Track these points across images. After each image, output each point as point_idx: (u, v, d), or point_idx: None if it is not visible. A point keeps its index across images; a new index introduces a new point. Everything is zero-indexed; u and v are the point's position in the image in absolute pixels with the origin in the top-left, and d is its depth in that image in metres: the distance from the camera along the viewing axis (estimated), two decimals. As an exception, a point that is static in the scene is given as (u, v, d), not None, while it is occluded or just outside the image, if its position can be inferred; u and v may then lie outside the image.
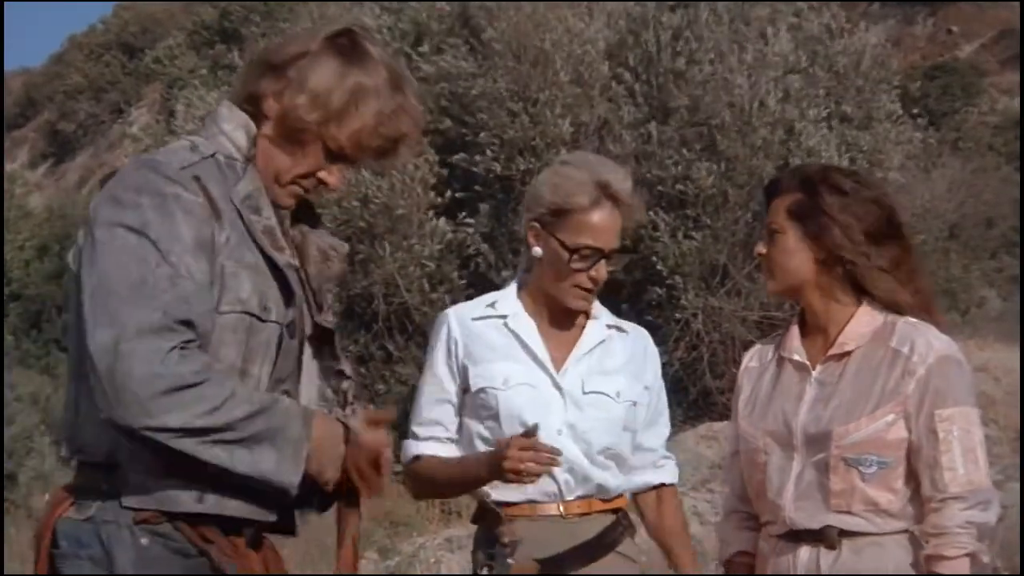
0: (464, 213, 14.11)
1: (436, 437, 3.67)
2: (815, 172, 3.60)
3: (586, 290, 3.64)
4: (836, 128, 14.15)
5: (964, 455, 3.36)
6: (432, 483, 3.72)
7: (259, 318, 2.73)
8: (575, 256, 3.58)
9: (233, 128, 2.80)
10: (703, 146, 13.61)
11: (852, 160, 13.64)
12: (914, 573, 3.40)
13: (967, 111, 28.18)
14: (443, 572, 10.49)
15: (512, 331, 3.66)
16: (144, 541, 2.67)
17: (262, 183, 2.80)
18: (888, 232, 3.48)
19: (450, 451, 3.67)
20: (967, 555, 3.33)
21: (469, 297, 13.75)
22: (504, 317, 3.68)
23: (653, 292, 13.66)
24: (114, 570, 2.64)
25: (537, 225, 3.62)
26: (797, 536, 3.46)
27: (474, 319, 3.69)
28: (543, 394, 3.62)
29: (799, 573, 3.45)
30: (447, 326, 3.70)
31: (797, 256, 3.47)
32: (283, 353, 2.79)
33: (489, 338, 3.66)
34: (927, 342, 3.41)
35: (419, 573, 10.54)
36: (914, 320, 3.46)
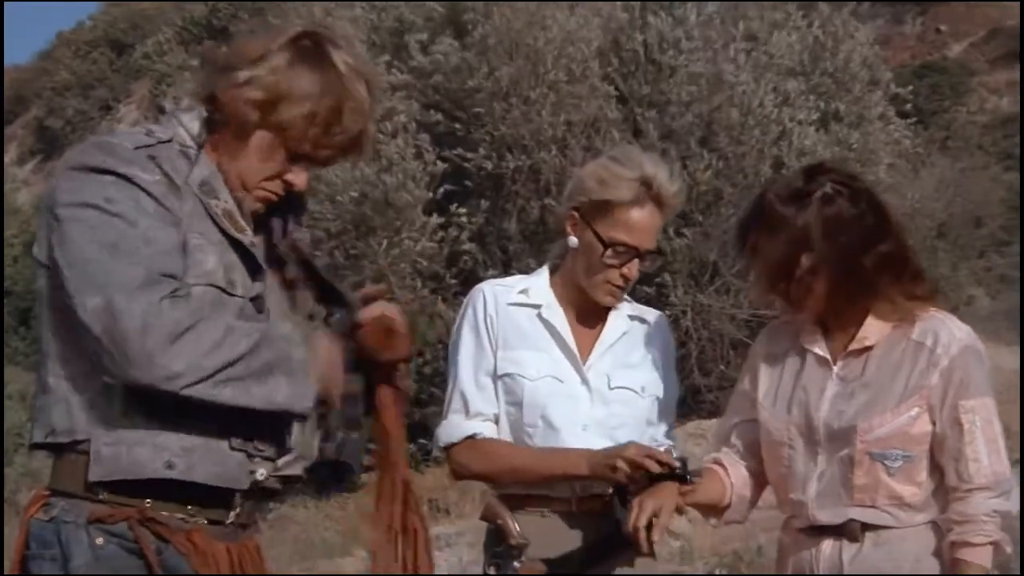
0: (455, 204, 14.09)
1: (484, 414, 3.58)
2: (793, 198, 3.45)
3: (616, 287, 3.60)
4: (827, 128, 14.17)
5: (987, 445, 3.36)
6: (495, 465, 3.57)
7: (225, 291, 2.74)
8: (609, 251, 3.54)
9: (190, 119, 2.82)
10: (696, 144, 13.60)
11: (843, 160, 13.66)
12: (935, 563, 3.41)
13: (956, 110, 28.22)
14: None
15: (545, 321, 3.62)
16: (99, 540, 2.67)
17: (217, 171, 2.80)
18: (879, 230, 3.46)
19: (496, 432, 3.59)
20: (991, 543, 3.35)
21: (457, 295, 13.85)
22: (538, 307, 3.63)
23: (642, 289, 13.66)
24: (70, 570, 2.65)
25: (576, 214, 3.58)
26: (820, 530, 3.46)
27: (509, 304, 3.63)
28: (570, 388, 3.58)
29: (821, 566, 3.46)
30: (483, 303, 3.63)
31: (816, 283, 3.43)
32: None
33: (521, 325, 3.61)
34: (949, 332, 3.40)
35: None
36: (934, 310, 3.46)
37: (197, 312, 2.61)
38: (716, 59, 14.03)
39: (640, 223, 3.55)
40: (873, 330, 3.45)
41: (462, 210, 14.12)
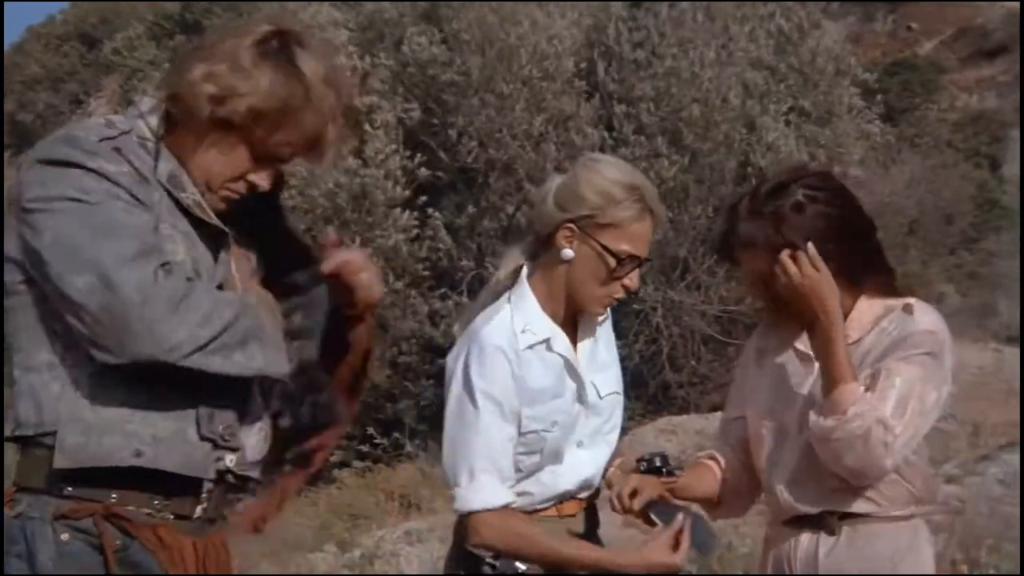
0: (427, 197, 14.07)
1: (511, 481, 3.49)
2: (766, 204, 3.48)
3: (615, 299, 3.58)
4: (796, 123, 14.19)
5: (897, 404, 3.29)
6: (526, 548, 3.47)
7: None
8: (619, 265, 3.49)
9: (149, 111, 2.83)
10: (666, 140, 13.62)
11: (812, 156, 13.70)
12: (913, 561, 3.42)
13: (927, 108, 28.30)
14: (402, 564, 10.48)
15: (558, 355, 3.55)
16: (64, 537, 2.67)
17: (180, 166, 2.81)
18: (854, 222, 3.49)
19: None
20: (855, 402, 3.28)
21: (431, 288, 13.83)
22: (546, 341, 3.54)
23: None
24: (35, 567, 2.65)
25: (574, 226, 3.49)
26: (798, 522, 3.48)
27: (524, 349, 3.51)
28: (573, 415, 3.56)
29: (797, 559, 3.48)
30: (506, 363, 3.48)
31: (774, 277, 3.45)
32: None
33: (537, 374, 3.50)
34: (913, 319, 3.41)
35: (378, 567, 10.53)
36: (912, 300, 3.47)
37: (188, 283, 2.64)
38: (687, 55, 14.03)
39: (642, 233, 3.52)
40: (855, 326, 3.47)
41: (432, 208, 14.12)
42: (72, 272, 2.58)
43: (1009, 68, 30.31)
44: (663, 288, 13.54)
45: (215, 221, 2.80)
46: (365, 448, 13.68)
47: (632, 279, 3.54)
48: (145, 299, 2.55)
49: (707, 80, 13.68)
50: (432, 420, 13.83)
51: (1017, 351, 15.99)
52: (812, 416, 3.34)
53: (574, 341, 3.62)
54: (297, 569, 10.45)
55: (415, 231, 14.00)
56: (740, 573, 8.13)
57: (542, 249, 3.59)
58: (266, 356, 2.70)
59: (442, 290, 13.78)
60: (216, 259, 2.82)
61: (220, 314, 2.63)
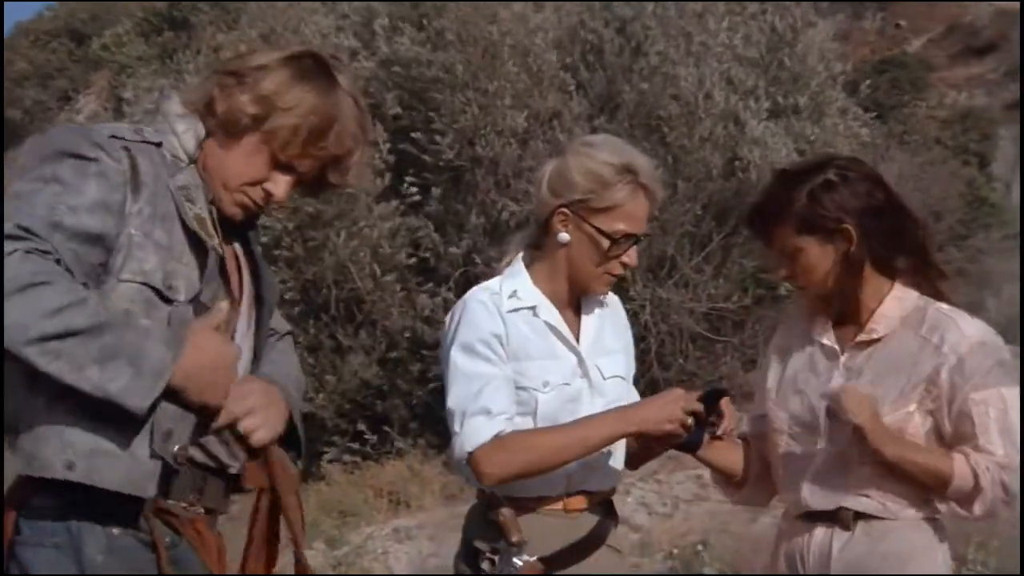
0: (413, 190, 14.06)
1: (507, 413, 3.51)
2: (794, 180, 3.54)
3: (615, 275, 3.65)
4: (784, 121, 14.18)
5: (1001, 436, 3.35)
6: (537, 452, 3.46)
7: (161, 295, 2.72)
8: (614, 245, 3.57)
9: (184, 130, 2.85)
10: (652, 138, 13.60)
11: (800, 153, 13.69)
12: (925, 562, 3.43)
13: (915, 105, 28.29)
14: (391, 561, 10.47)
15: (545, 323, 3.62)
16: (115, 531, 2.65)
17: (200, 183, 2.83)
18: (888, 201, 3.49)
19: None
20: (975, 474, 3.33)
21: (419, 284, 13.81)
22: (533, 308, 3.62)
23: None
24: (83, 559, 2.62)
25: (567, 211, 3.58)
26: (813, 517, 3.49)
27: (508, 312, 3.60)
28: (575, 390, 3.60)
29: (810, 553, 3.49)
30: (487, 314, 3.58)
31: (822, 264, 3.45)
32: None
33: (523, 333, 3.59)
34: (959, 330, 3.41)
35: (366, 563, 10.52)
36: (946, 307, 3.47)
37: (47, 275, 2.52)
38: (669, 54, 14.01)
39: (635, 211, 3.60)
40: (883, 322, 3.47)
41: (419, 205, 14.10)
42: None
43: (998, 66, 30.33)
44: (651, 286, 13.54)
45: (206, 238, 2.80)
46: (356, 445, 13.66)
47: (630, 256, 3.63)
48: None
49: (688, 77, 13.65)
50: (422, 417, 13.81)
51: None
52: (953, 509, 3.37)
53: (579, 322, 3.69)
54: (283, 567, 10.42)
55: (399, 221, 13.97)
56: (758, 573, 8.15)
57: (542, 234, 3.68)
58: (131, 383, 2.56)
59: (429, 286, 13.77)
60: (209, 275, 2.80)
61: (71, 316, 2.52)
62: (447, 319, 3.65)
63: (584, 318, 3.71)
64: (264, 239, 13.69)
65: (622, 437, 3.53)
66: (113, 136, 2.73)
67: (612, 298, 3.84)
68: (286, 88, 2.82)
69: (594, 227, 3.56)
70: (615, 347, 3.76)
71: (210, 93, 2.86)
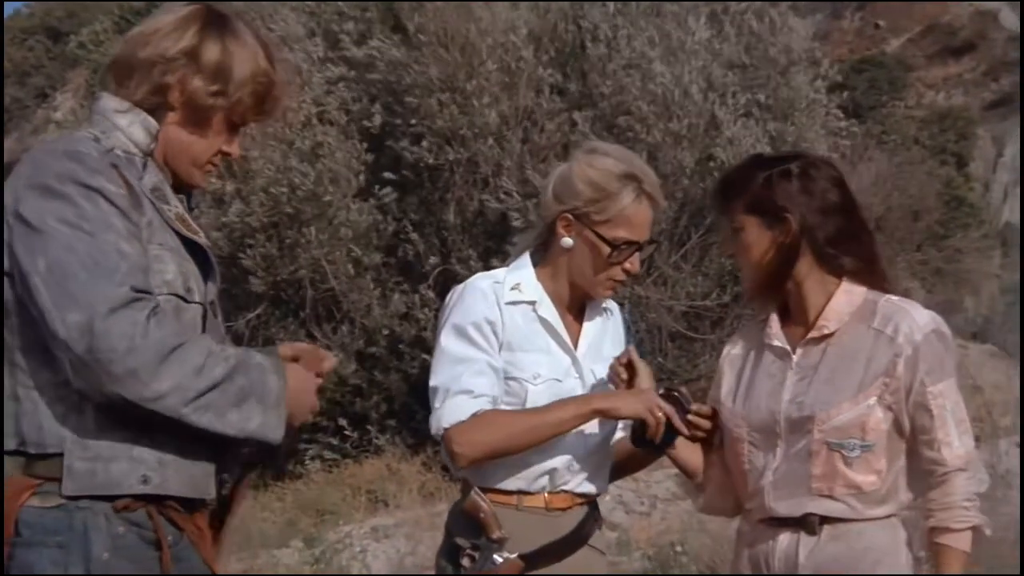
0: (389, 190, 14.05)
1: (489, 396, 3.55)
2: (761, 164, 3.61)
3: (618, 281, 3.68)
4: (759, 119, 14.18)
5: (958, 427, 3.39)
6: (511, 429, 3.50)
7: (184, 299, 2.77)
8: (615, 251, 3.61)
9: (129, 124, 2.83)
10: (626, 136, 13.59)
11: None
12: (895, 561, 3.43)
13: (893, 105, 28.39)
14: (369, 560, 10.46)
15: (541, 319, 3.66)
16: (120, 529, 2.67)
17: (163, 176, 2.84)
18: (842, 204, 3.52)
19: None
20: (971, 528, 3.38)
21: (398, 284, 13.78)
22: (532, 303, 3.66)
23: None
24: (89, 557, 2.63)
25: (570, 216, 3.63)
26: (778, 522, 3.48)
27: (507, 304, 3.64)
28: (567, 387, 3.63)
29: (776, 560, 3.47)
30: (483, 299, 3.63)
31: (758, 246, 3.49)
32: (208, 331, 2.84)
33: (519, 325, 3.63)
34: (911, 319, 3.42)
35: (344, 562, 10.51)
36: (895, 298, 3.49)
37: (181, 334, 2.63)
38: (645, 53, 14.01)
39: (638, 218, 3.64)
40: (833, 317, 3.48)
41: (397, 204, 14.09)
42: (62, 308, 2.57)
43: (976, 66, 30.47)
44: (629, 283, 13.53)
45: (195, 237, 2.83)
46: (335, 441, 13.64)
47: (632, 262, 3.66)
48: (130, 348, 2.55)
49: (663, 74, 13.66)
50: (400, 415, 13.79)
51: (982, 347, 16.10)
52: (945, 530, 3.41)
53: (579, 326, 3.73)
54: (262, 567, 10.43)
55: (378, 220, 13.95)
56: (732, 574, 8.16)
57: (547, 237, 3.73)
58: (265, 418, 2.70)
59: (408, 284, 13.76)
60: (207, 271, 2.86)
61: (211, 367, 2.63)
62: (446, 299, 3.72)
63: (586, 323, 3.75)
64: (236, 235, 13.71)
65: (593, 416, 3.54)
66: (101, 155, 2.73)
67: (619, 310, 3.88)
68: (228, 57, 2.84)
69: (596, 234, 3.61)
70: (609, 355, 3.75)
71: (155, 84, 2.84)
